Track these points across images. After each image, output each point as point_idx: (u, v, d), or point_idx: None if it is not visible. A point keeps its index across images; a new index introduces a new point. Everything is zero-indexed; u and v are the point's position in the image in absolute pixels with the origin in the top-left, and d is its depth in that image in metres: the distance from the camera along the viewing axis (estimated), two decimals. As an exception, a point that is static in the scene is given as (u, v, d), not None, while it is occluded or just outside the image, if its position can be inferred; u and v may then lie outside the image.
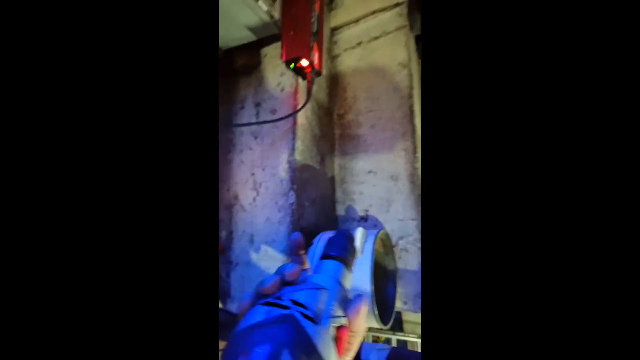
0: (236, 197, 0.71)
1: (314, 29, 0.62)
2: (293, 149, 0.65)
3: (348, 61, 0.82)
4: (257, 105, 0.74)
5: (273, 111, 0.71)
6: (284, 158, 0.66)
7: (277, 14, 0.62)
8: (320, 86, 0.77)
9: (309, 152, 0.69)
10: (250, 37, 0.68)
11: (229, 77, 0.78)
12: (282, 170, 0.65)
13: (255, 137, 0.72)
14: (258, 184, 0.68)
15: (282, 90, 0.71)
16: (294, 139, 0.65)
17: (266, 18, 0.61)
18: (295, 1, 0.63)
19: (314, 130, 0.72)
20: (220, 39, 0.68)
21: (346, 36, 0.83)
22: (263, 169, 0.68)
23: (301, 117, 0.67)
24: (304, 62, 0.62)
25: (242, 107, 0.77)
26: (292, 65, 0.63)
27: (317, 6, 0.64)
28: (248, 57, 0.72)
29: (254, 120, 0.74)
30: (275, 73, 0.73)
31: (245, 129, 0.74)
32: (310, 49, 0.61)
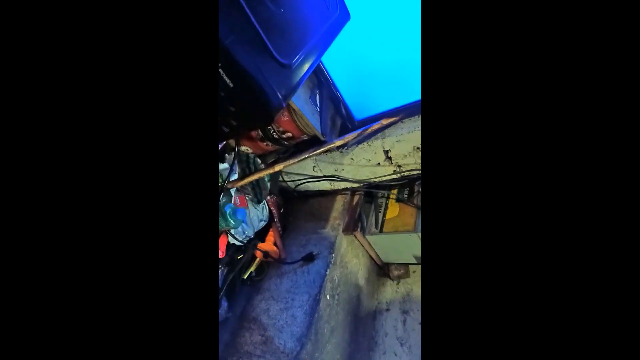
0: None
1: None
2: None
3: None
4: (405, 312, 0.87)
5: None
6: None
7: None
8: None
9: None
10: (410, 260, 0.88)
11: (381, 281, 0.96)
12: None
13: (402, 344, 0.81)
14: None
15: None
16: None
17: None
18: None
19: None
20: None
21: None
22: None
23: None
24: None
25: (388, 309, 0.89)
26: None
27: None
28: (402, 270, 0.91)
29: (399, 324, 0.84)
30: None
31: (391, 332, 0.84)
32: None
